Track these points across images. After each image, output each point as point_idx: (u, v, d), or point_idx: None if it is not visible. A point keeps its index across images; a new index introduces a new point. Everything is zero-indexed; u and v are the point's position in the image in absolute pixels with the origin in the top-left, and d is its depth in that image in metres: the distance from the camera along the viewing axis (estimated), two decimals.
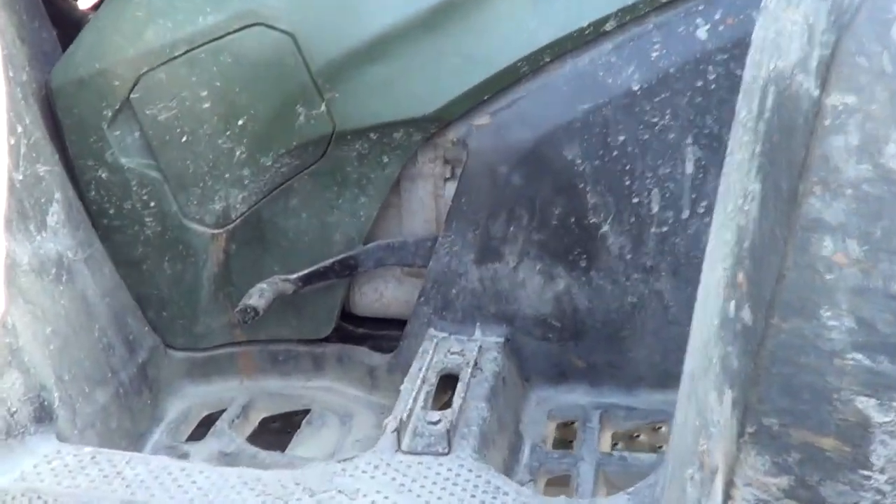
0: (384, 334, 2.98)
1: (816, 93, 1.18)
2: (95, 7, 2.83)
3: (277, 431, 2.95)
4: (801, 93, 1.22)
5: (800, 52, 1.24)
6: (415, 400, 2.36)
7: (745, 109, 1.46)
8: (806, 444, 1.33)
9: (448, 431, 2.22)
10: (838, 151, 1.17)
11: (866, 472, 1.31)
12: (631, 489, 2.05)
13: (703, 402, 1.55)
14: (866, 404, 1.27)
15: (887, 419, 1.27)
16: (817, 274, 1.24)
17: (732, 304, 1.42)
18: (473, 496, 2.06)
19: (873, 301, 1.22)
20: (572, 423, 2.69)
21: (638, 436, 2.83)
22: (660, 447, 2.85)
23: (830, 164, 1.18)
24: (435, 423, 2.25)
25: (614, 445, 2.78)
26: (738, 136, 1.49)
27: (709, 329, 1.54)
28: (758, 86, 1.40)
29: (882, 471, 1.30)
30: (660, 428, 2.76)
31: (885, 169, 1.17)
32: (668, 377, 2.60)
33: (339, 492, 2.07)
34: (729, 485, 1.43)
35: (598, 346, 2.66)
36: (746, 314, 1.36)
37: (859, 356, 1.25)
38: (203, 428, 2.77)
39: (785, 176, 1.25)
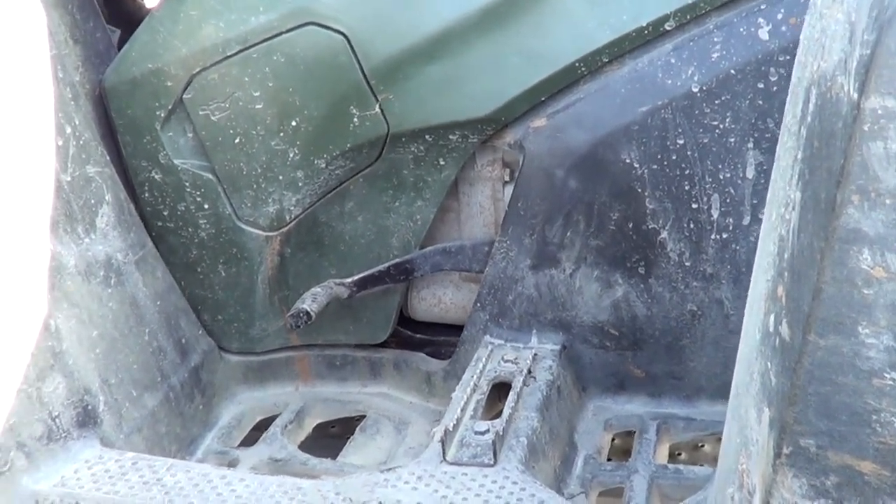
0: (443, 340, 2.95)
1: (856, 96, 1.11)
2: None
3: (333, 436, 2.93)
4: (840, 96, 1.16)
5: (841, 52, 1.18)
6: (463, 409, 2.32)
7: (791, 113, 1.39)
8: (844, 467, 1.27)
9: (494, 442, 2.17)
10: (877, 158, 1.11)
11: None
12: None
13: (743, 419, 1.49)
14: None
15: None
16: (855, 288, 1.17)
17: (772, 318, 1.36)
18: None
19: None
20: (632, 432, 2.64)
21: (702, 446, 2.78)
22: None
23: (869, 172, 1.12)
24: (482, 434, 2.22)
25: (677, 455, 2.73)
26: (783, 140, 1.42)
27: (751, 343, 1.49)
28: (801, 88, 1.33)
29: None
30: None
31: None
32: (729, 388, 2.54)
33: (380, 503, 2.03)
34: None
35: (658, 356, 2.60)
36: (785, 329, 1.30)
37: None
38: (257, 432, 2.75)
39: (824, 184, 1.19)
